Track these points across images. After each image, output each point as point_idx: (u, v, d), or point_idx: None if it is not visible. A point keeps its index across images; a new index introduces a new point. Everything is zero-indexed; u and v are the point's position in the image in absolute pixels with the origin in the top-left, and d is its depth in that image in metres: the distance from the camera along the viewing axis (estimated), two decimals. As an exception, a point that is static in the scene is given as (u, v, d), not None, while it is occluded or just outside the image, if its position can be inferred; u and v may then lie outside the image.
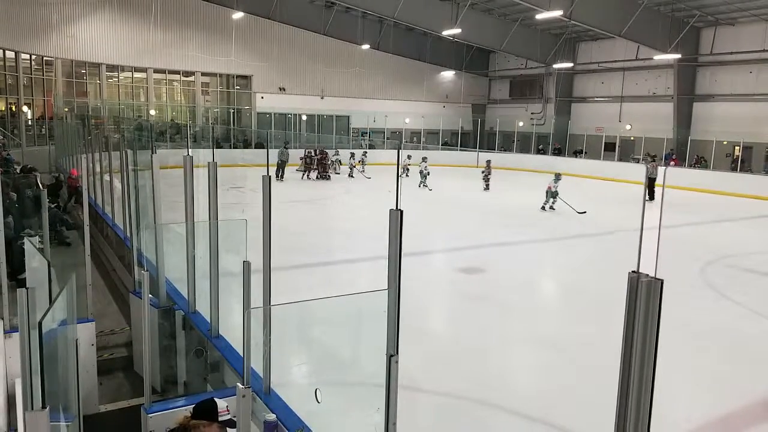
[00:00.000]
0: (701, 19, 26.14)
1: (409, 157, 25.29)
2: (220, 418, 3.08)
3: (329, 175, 24.81)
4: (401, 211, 2.42)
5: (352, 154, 26.12)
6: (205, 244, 4.93)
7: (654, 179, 19.68)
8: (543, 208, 17.22)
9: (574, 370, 6.56)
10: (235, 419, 3.06)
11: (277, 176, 22.52)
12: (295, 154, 25.41)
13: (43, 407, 1.81)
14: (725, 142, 25.88)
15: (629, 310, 1.53)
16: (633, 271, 1.52)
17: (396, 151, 32.93)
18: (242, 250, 4.18)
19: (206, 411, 3.16)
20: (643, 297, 1.49)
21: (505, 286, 9.84)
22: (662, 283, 1.49)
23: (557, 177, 17.23)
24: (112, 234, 9.79)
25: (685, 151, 26.84)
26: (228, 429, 3.13)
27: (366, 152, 27.37)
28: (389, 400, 2.50)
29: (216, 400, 3.19)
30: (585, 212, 16.37)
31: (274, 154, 23.38)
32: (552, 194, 17.17)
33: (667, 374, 5.79)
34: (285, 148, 24.68)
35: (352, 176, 25.28)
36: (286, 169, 23.65)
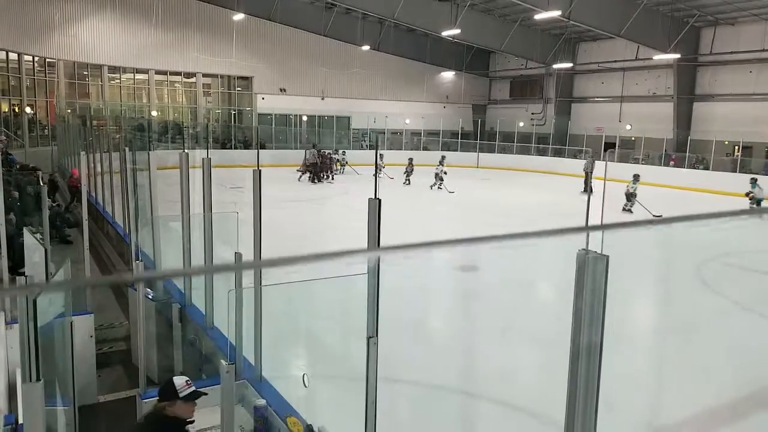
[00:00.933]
0: (701, 19, 26.21)
1: (381, 156, 25.18)
2: (181, 394, 3.14)
3: (328, 176, 24.77)
4: (379, 200, 2.54)
5: (381, 156, 26.01)
6: (200, 237, 5.06)
7: (590, 173, 21.57)
8: (624, 209, 16.78)
9: (565, 365, 6.65)
10: (201, 391, 3.12)
11: (309, 178, 23.20)
12: (297, 155, 25.48)
13: (38, 380, 1.93)
14: (726, 142, 25.94)
15: (578, 283, 1.65)
16: (582, 249, 1.64)
17: (393, 151, 32.98)
18: (234, 242, 4.30)
19: (166, 392, 3.24)
20: (590, 271, 1.61)
21: (500, 283, 9.94)
22: (608, 259, 1.60)
23: (636, 178, 17.03)
24: (112, 231, 9.93)
25: (684, 151, 26.90)
26: (197, 401, 3.19)
27: (382, 154, 27.24)
28: (368, 381, 2.61)
29: (174, 378, 3.27)
30: (661, 215, 16.35)
31: (271, 154, 23.51)
32: (630, 195, 16.90)
33: (655, 368, 5.92)
34: (314, 148, 24.67)
35: (439, 188, 24.94)
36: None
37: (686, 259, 11.49)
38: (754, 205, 16.60)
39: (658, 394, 5.62)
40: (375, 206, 2.56)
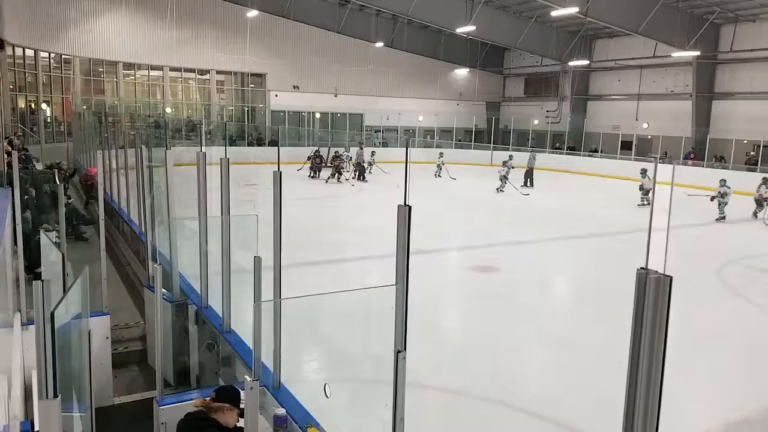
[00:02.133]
0: (721, 16, 25.76)
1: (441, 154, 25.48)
2: (242, 405, 3.14)
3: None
4: (409, 207, 2.42)
5: (441, 153, 25.85)
6: (217, 239, 4.97)
7: (532, 169, 23.12)
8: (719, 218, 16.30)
9: (584, 370, 6.52)
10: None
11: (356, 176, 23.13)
12: (297, 152, 25.36)
13: (55, 396, 1.84)
14: (745, 141, 25.49)
15: (637, 306, 1.52)
16: (642, 268, 1.51)
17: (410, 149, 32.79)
18: (253, 246, 4.20)
19: (228, 397, 3.24)
20: (652, 293, 1.48)
21: (516, 284, 9.79)
22: (671, 280, 1.47)
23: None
24: (128, 229, 9.89)
25: (704, 150, 26.47)
26: (240, 418, 3.20)
27: (442, 152, 26.73)
28: (396, 396, 2.50)
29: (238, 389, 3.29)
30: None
31: (284, 151, 23.36)
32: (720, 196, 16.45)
33: (681, 375, 5.75)
34: (361, 149, 24.38)
35: (439, 176, 24.84)
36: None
37: (707, 261, 11.27)
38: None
39: (684, 403, 5.46)
40: (405, 213, 2.44)
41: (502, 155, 28.82)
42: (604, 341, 7.05)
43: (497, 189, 20.80)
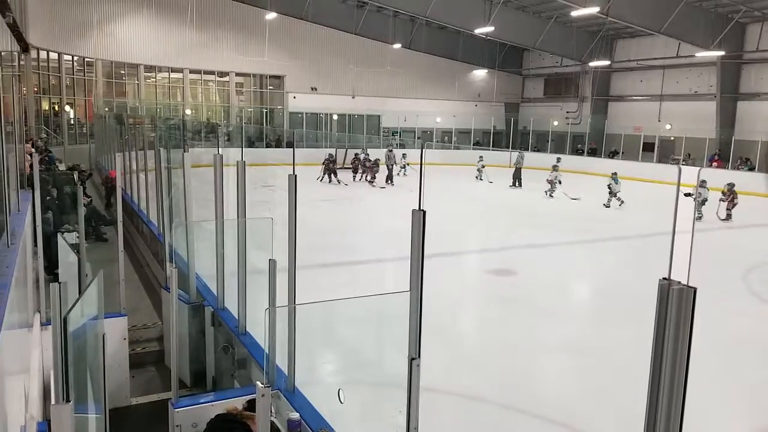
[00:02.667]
0: (746, 15, 25.26)
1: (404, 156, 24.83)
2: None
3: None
4: (424, 212, 2.37)
5: (481, 157, 25.35)
6: (234, 241, 4.97)
7: (520, 168, 23.11)
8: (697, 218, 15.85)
9: (602, 376, 6.41)
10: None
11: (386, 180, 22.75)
12: (316, 154, 25.30)
13: (67, 401, 1.83)
14: (771, 142, 25.00)
15: (659, 318, 1.46)
16: (664, 278, 1.45)
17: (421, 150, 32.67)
18: (268, 248, 4.19)
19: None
20: (674, 305, 1.42)
21: (534, 288, 9.68)
22: (695, 291, 1.41)
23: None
24: (147, 230, 9.97)
25: (728, 152, 25.99)
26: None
27: (482, 156, 26.20)
28: (410, 403, 2.45)
29: None
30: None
31: (306, 154, 23.39)
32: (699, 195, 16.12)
33: (703, 385, 5.62)
34: (390, 151, 24.13)
35: (480, 179, 24.62)
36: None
37: (731, 267, 11.03)
38: None
39: (709, 414, 5.33)
40: (419, 218, 2.39)
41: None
42: (624, 348, 6.93)
43: (546, 193, 20.07)
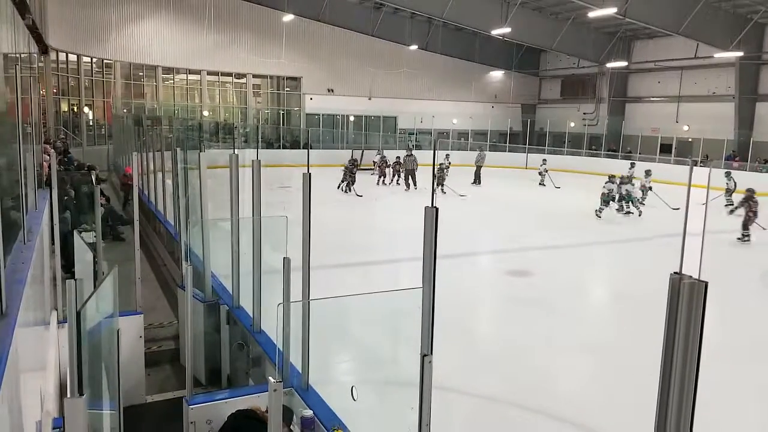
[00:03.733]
0: (765, 15, 24.89)
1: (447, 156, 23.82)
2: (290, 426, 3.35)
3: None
4: (436, 209, 2.38)
5: (544, 160, 24.30)
6: (249, 239, 5.01)
7: (480, 167, 23.26)
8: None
9: (617, 376, 6.35)
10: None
11: (407, 184, 21.36)
12: (345, 155, 25.30)
13: (80, 395, 1.85)
14: (791, 144, 24.61)
15: (671, 312, 1.45)
16: (675, 273, 1.43)
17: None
18: (283, 247, 4.22)
19: (284, 413, 3.31)
20: (686, 299, 1.40)
21: (551, 289, 9.62)
22: (706, 286, 1.40)
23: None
24: (164, 230, 10.08)
25: (747, 153, 25.62)
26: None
27: (545, 159, 24.90)
28: (423, 400, 2.45)
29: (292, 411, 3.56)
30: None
31: (319, 154, 23.36)
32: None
33: (718, 384, 5.54)
34: (409, 155, 22.39)
35: (543, 184, 23.39)
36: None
37: (747, 267, 10.88)
38: None
39: (720, 411, 5.26)
40: (432, 215, 2.40)
41: (537, 158, 28.38)
42: (640, 349, 6.85)
43: (596, 213, 16.35)
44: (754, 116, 26.91)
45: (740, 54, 24.70)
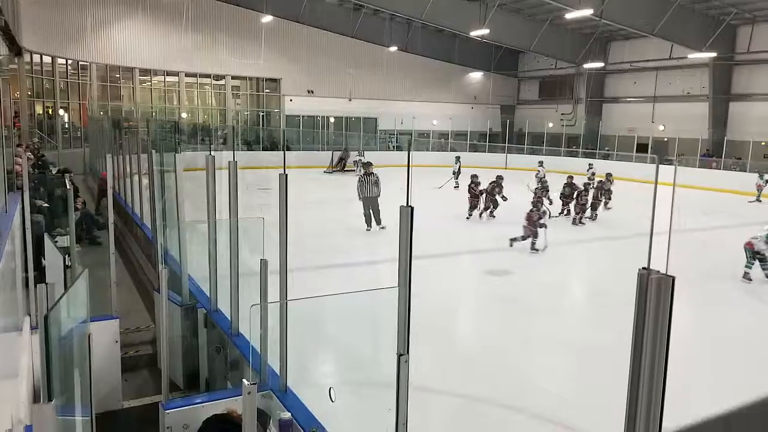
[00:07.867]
0: (738, 17, 25.43)
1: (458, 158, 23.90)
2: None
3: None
4: (411, 208, 2.38)
5: (591, 164, 22.59)
6: (226, 242, 4.97)
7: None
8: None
9: (596, 374, 6.41)
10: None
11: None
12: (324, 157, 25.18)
13: (49, 400, 1.82)
14: (763, 143, 25.13)
15: (639, 308, 1.47)
16: (643, 268, 1.45)
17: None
18: (260, 248, 4.18)
19: (260, 417, 3.26)
20: (653, 294, 1.42)
21: (530, 288, 9.69)
22: (673, 280, 1.41)
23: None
24: (141, 233, 9.94)
25: (721, 152, 26.11)
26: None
27: (591, 163, 23.71)
28: (399, 399, 2.45)
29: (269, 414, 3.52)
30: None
31: (299, 155, 23.16)
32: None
33: (687, 377, 5.63)
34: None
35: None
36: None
37: (724, 265, 11.06)
38: None
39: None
40: (407, 214, 2.40)
41: (516, 158, 28.57)
42: (619, 347, 6.92)
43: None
44: (728, 116, 27.45)
45: (713, 55, 25.19)
